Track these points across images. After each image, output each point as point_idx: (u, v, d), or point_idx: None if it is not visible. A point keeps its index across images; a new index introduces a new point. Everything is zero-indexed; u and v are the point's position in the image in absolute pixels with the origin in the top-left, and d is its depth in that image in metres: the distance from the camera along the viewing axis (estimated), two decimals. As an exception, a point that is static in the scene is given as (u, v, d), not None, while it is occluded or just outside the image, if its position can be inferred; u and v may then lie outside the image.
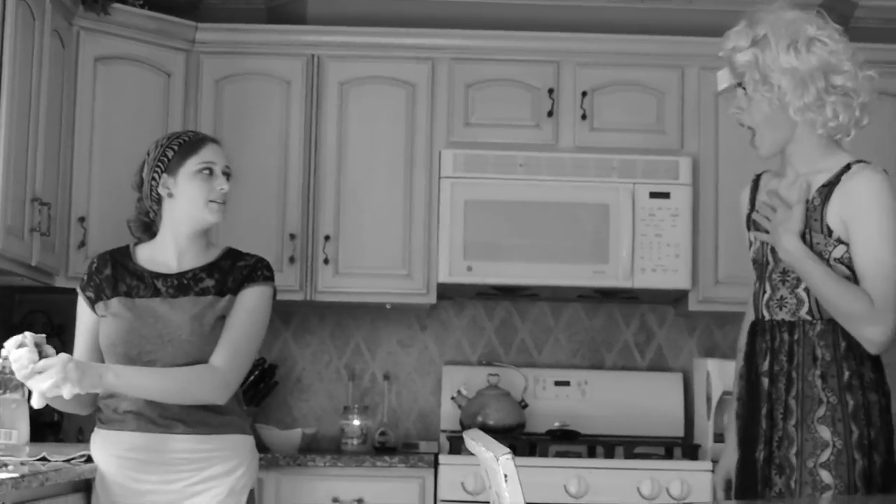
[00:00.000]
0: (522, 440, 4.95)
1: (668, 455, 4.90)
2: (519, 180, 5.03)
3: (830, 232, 3.21)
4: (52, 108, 4.49)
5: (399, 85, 5.14)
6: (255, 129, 5.10)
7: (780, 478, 3.22)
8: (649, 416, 5.29)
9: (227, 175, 3.69)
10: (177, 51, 5.04)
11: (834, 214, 3.21)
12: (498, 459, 2.57)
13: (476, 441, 2.84)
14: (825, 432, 3.16)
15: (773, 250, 3.32)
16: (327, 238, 5.06)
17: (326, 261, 5.05)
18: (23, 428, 4.09)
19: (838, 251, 3.21)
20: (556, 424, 5.23)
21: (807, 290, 3.24)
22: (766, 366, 3.29)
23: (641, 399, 5.33)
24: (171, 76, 5.02)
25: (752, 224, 3.43)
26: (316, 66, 5.14)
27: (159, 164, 3.65)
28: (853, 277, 3.21)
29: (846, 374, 3.19)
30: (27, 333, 3.37)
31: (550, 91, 5.13)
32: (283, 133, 5.10)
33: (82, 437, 4.93)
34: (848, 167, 3.24)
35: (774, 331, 3.29)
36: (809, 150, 3.30)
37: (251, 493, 3.68)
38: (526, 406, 5.20)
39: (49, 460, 3.65)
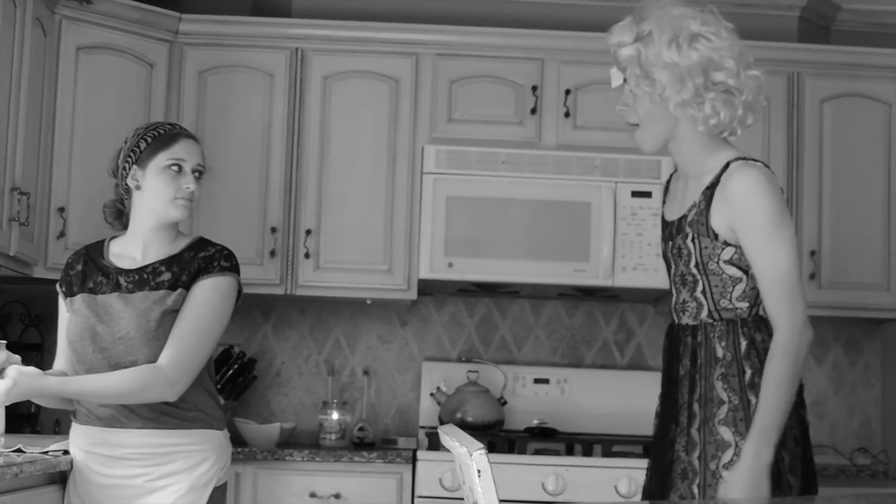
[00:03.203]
0: (501, 437, 4.94)
1: (646, 453, 4.89)
2: (501, 177, 5.02)
3: (716, 235, 3.18)
4: (32, 98, 4.46)
5: (382, 80, 5.13)
6: (237, 121, 5.08)
7: (682, 482, 3.19)
8: (628, 414, 5.29)
9: (198, 173, 3.62)
10: (160, 41, 5.03)
11: (718, 218, 3.17)
12: (471, 455, 2.55)
13: (450, 436, 2.83)
14: (727, 433, 3.14)
15: (674, 255, 3.29)
16: (308, 232, 5.05)
17: (307, 255, 5.04)
18: (-2, 419, 4.07)
19: (726, 253, 3.18)
20: (535, 422, 5.22)
21: (704, 293, 3.22)
22: (674, 370, 3.29)
23: (620, 397, 5.32)
24: (154, 67, 5.00)
25: (663, 231, 3.40)
26: (300, 60, 5.13)
27: (131, 154, 3.60)
28: (744, 276, 3.18)
29: (748, 372, 3.16)
30: None
31: (534, 88, 5.12)
32: (265, 126, 5.09)
33: (59, 429, 4.91)
34: (727, 166, 3.19)
35: (680, 334, 3.28)
36: (693, 149, 3.25)
37: (221, 488, 3.63)
38: (505, 403, 5.20)
39: (24, 452, 3.63)
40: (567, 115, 5.12)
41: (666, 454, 3.25)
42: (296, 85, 5.12)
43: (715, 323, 3.21)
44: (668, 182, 3.47)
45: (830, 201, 5.16)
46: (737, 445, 3.11)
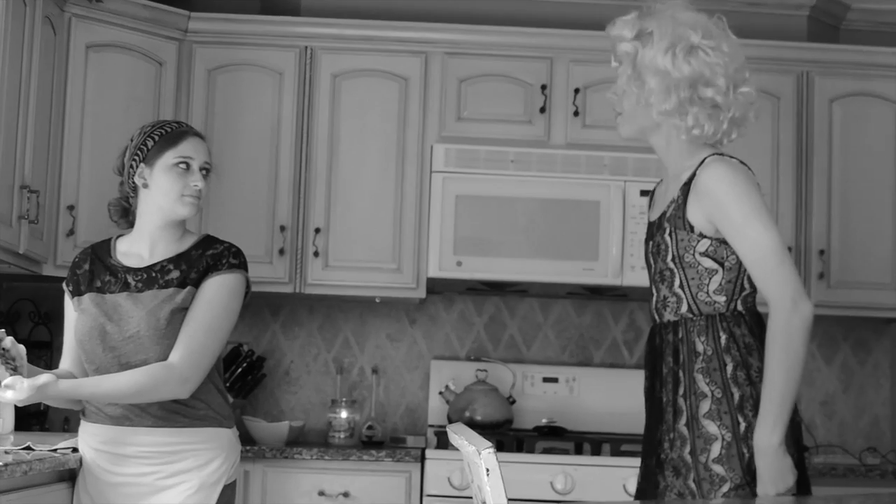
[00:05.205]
0: (510, 436, 4.94)
1: (655, 453, 4.90)
2: (510, 176, 5.02)
3: (692, 228, 3.19)
4: (42, 96, 4.47)
5: (392, 78, 5.13)
6: (246, 120, 5.09)
7: (677, 479, 3.18)
8: (637, 413, 5.22)
9: (205, 171, 3.63)
10: (169, 40, 5.03)
11: (694, 210, 3.18)
12: (480, 453, 2.56)
13: (459, 435, 2.83)
14: (712, 427, 3.13)
15: (653, 254, 3.31)
16: (317, 231, 5.05)
17: (316, 253, 5.04)
18: (7, 417, 4.08)
19: (701, 245, 3.18)
20: (544, 421, 5.23)
21: (682, 287, 3.22)
22: (657, 369, 3.29)
23: (629, 397, 5.30)
24: (163, 65, 5.01)
25: (646, 233, 3.41)
26: (309, 58, 5.13)
27: (138, 152, 3.61)
28: (720, 268, 3.18)
29: (729, 366, 3.15)
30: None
31: (543, 87, 5.12)
32: (274, 125, 5.09)
33: (68, 426, 4.92)
34: (703, 161, 3.20)
35: (662, 332, 3.28)
36: (674, 151, 3.29)
37: (230, 486, 3.63)
38: (514, 402, 5.20)
39: (33, 449, 3.64)
40: (576, 113, 5.12)
41: (654, 454, 3.26)
42: (305, 83, 5.12)
43: (694, 318, 3.20)
44: (655, 189, 3.49)
45: (839, 200, 5.16)
46: (723, 438, 3.12)
